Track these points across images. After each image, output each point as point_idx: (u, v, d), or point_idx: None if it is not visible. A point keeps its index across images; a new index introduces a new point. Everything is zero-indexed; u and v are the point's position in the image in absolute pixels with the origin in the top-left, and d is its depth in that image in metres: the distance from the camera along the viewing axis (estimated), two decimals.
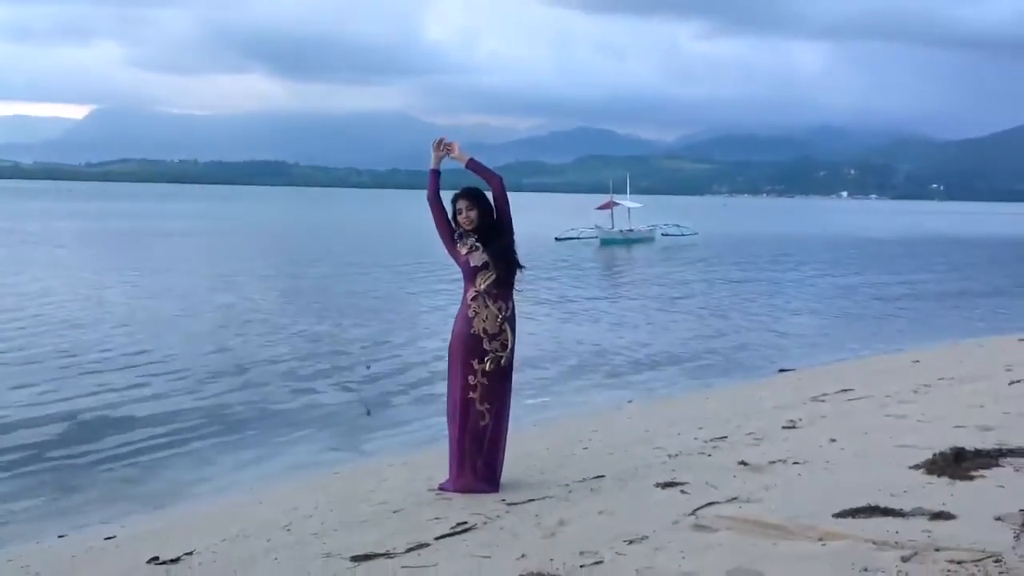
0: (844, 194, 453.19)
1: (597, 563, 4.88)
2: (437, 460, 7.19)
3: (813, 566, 4.65)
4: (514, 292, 6.59)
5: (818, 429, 8.33)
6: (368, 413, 11.12)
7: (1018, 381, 10.55)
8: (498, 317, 6.43)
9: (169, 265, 32.74)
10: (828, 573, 4.54)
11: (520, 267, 6.58)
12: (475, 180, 6.61)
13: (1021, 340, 15.21)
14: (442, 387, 12.02)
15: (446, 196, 6.55)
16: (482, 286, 6.42)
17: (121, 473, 8.84)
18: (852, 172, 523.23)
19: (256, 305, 21.83)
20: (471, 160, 6.55)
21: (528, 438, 8.98)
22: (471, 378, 6.43)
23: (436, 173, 6.64)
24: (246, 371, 13.56)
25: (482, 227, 6.46)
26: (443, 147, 6.62)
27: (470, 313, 6.42)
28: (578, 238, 50.87)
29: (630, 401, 11.97)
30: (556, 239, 48.15)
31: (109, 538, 6.58)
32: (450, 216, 6.56)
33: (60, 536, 6.97)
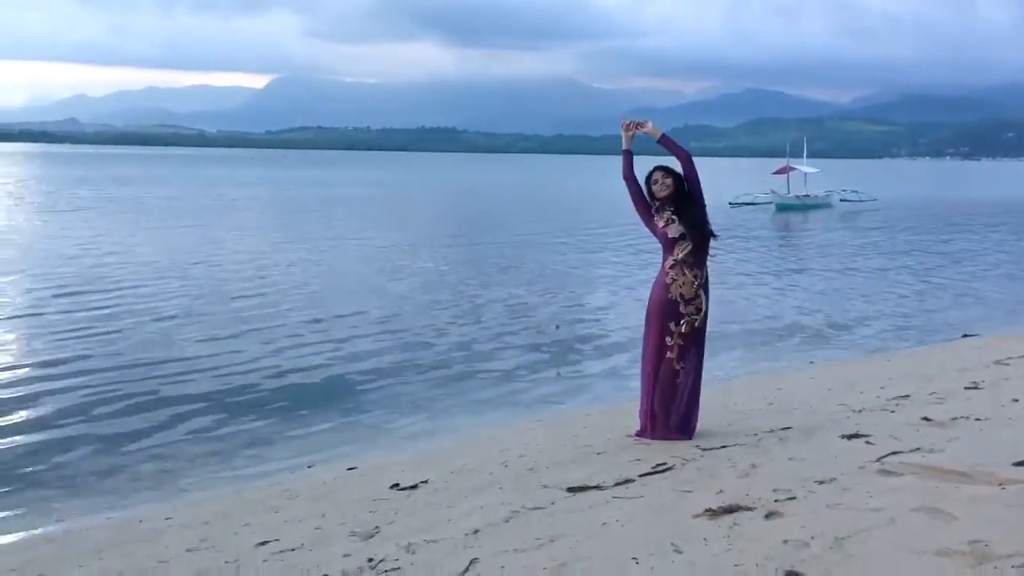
0: None
1: (790, 499, 5.42)
2: (631, 410, 7.78)
3: (992, 507, 5.08)
4: (708, 260, 7.14)
5: (1001, 390, 8.57)
6: (558, 374, 11.81)
7: None
8: (694, 283, 6.99)
9: (366, 232, 34.23)
10: (1006, 512, 4.97)
11: (714, 236, 7.12)
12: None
13: None
14: (628, 344, 12.91)
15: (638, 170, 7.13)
16: (680, 255, 6.97)
17: (351, 415, 9.88)
18: None
19: (446, 271, 22.88)
20: (663, 136, 7.12)
21: (712, 393, 9.50)
22: (668, 339, 7.01)
23: (628, 153, 7.22)
24: (445, 334, 14.47)
25: (677, 196, 7.00)
26: (634, 126, 7.19)
27: (668, 280, 6.99)
28: (753, 203, 50.28)
29: (811, 363, 12.34)
30: (730, 204, 47.66)
31: (352, 468, 7.54)
32: (645, 190, 7.12)
33: (309, 466, 7.98)
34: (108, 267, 21.48)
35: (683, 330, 6.98)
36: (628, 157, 7.20)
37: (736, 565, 4.49)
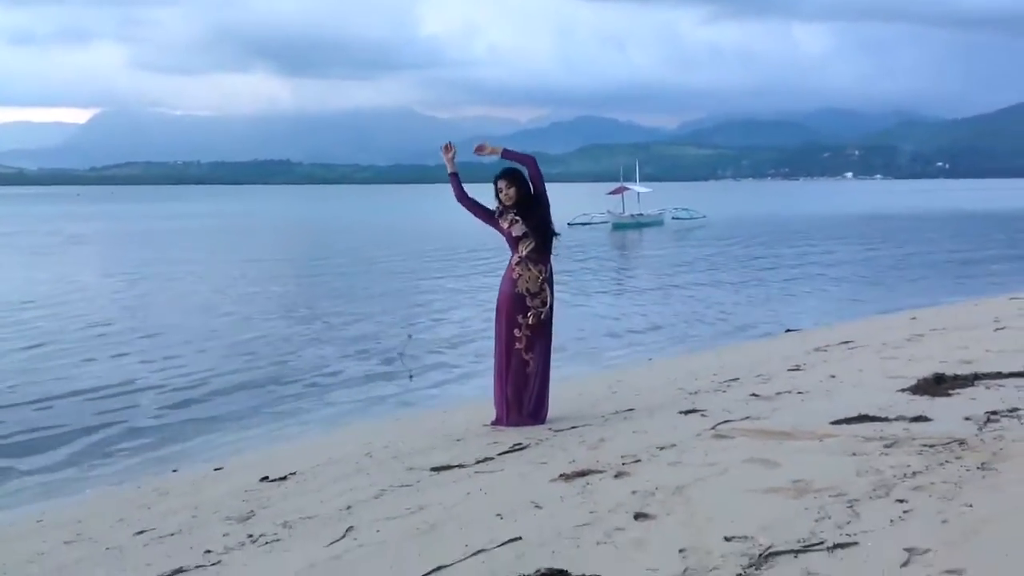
0: (849, 175, 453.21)
1: (636, 461, 5.95)
2: (486, 406, 8.20)
3: (813, 455, 5.74)
4: (551, 256, 7.65)
5: (819, 370, 9.41)
6: (411, 377, 12.16)
7: (1003, 328, 11.63)
8: (539, 278, 7.47)
9: (214, 259, 33.84)
10: (825, 459, 5.63)
11: (556, 234, 7.65)
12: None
13: (1012, 299, 16.23)
14: (478, 347, 13.42)
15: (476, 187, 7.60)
16: (524, 252, 7.46)
17: (208, 431, 9.94)
18: (857, 153, 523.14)
19: (294, 294, 22.93)
20: (504, 150, 7.57)
21: (560, 388, 10.02)
22: (517, 331, 7.47)
23: (455, 176, 7.66)
24: (299, 351, 14.60)
25: (520, 202, 7.48)
26: (476, 150, 7.65)
27: (514, 275, 7.46)
28: (590, 223, 52.09)
29: (650, 359, 13.07)
30: (568, 224, 49.12)
31: (218, 468, 7.71)
32: (493, 194, 7.58)
33: (174, 470, 8.08)
34: None
35: (530, 322, 7.44)
36: (455, 180, 7.64)
37: (591, 512, 4.97)
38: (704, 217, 60.56)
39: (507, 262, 7.57)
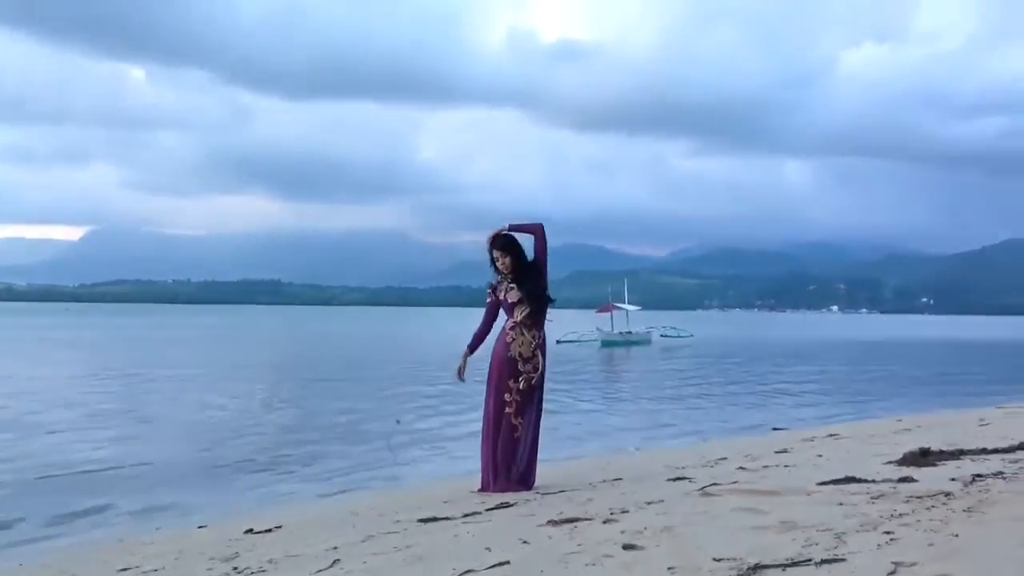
0: (835, 308, 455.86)
1: (624, 511, 5.96)
2: (473, 478, 8.17)
3: (801, 506, 5.75)
4: (545, 323, 7.75)
5: (807, 453, 9.45)
6: (395, 458, 12.11)
7: (987, 424, 11.72)
8: (532, 343, 7.56)
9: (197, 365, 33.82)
10: (812, 508, 5.65)
11: (551, 300, 7.76)
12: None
13: (999, 407, 16.32)
14: (465, 433, 13.42)
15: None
16: (519, 317, 7.56)
17: (190, 503, 9.84)
18: (842, 287, 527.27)
19: (275, 390, 22.88)
20: (511, 226, 7.65)
21: (545, 466, 10.00)
22: (507, 395, 7.50)
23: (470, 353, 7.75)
24: (290, 436, 14.54)
25: (515, 270, 7.61)
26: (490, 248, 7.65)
27: (508, 339, 7.54)
28: (579, 341, 52.33)
29: (636, 449, 13.00)
30: (557, 342, 49.30)
31: (202, 526, 7.64)
32: (489, 262, 7.69)
33: (157, 528, 7.98)
34: None
35: (521, 387, 7.49)
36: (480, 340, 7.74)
37: (579, 545, 4.97)
38: (691, 336, 61.24)
39: (501, 328, 7.65)
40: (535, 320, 7.57)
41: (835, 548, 4.40)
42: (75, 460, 12.11)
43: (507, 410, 7.48)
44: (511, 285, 7.56)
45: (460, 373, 7.70)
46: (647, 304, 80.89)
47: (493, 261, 7.62)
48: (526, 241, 7.67)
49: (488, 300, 7.67)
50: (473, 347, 7.65)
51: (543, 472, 8.00)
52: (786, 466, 8.07)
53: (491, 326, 7.73)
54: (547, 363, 7.67)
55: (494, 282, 7.66)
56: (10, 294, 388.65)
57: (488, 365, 7.64)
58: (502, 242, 7.60)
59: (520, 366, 7.49)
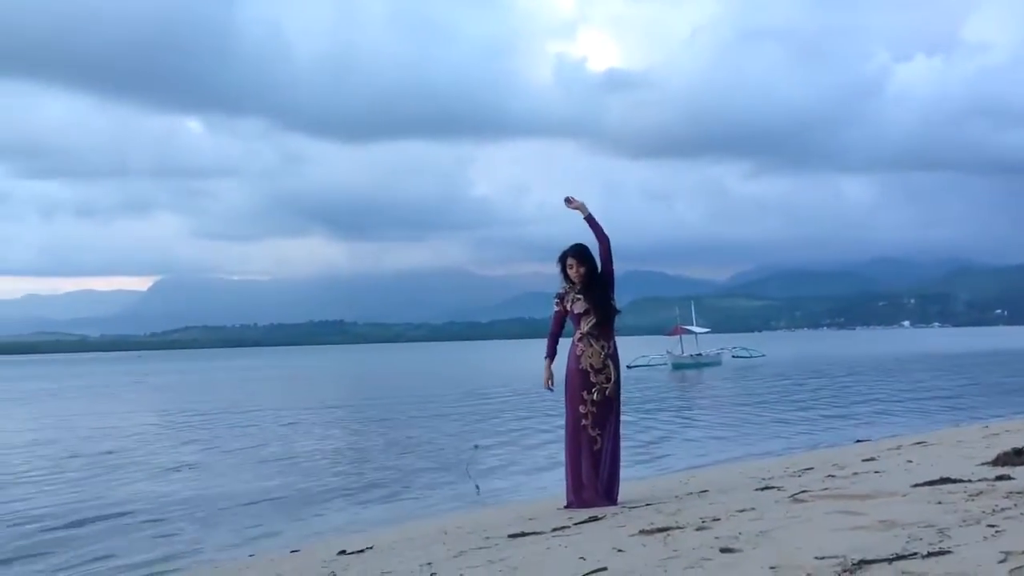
0: (906, 323, 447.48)
1: (715, 519, 5.90)
2: (558, 497, 8.14)
3: (898, 505, 5.65)
4: (614, 334, 7.72)
5: (895, 459, 9.26)
6: (478, 488, 12.12)
7: None
8: (601, 354, 7.53)
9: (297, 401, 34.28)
10: (910, 507, 5.54)
11: (617, 311, 7.73)
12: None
13: None
14: (543, 454, 13.45)
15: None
16: (585, 328, 7.54)
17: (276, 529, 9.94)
18: (912, 302, 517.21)
19: (366, 421, 23.06)
20: (590, 215, 7.65)
21: (627, 484, 9.93)
22: (582, 407, 7.47)
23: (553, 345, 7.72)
24: (372, 462, 14.68)
25: (586, 280, 7.62)
26: (567, 201, 7.74)
27: (578, 352, 7.53)
28: (649, 365, 52.13)
29: (719, 462, 12.87)
30: (628, 367, 49.06)
31: (294, 551, 7.71)
32: (560, 270, 7.71)
33: (250, 555, 8.08)
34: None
35: (595, 398, 7.45)
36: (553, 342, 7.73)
37: (674, 551, 4.93)
38: (763, 356, 60.73)
39: (571, 341, 7.65)
40: (602, 331, 7.54)
41: (940, 542, 4.32)
42: (164, 492, 12.32)
43: (584, 422, 7.45)
44: (577, 296, 7.55)
45: (547, 383, 7.69)
46: (712, 328, 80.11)
47: (565, 269, 7.61)
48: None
49: (555, 310, 7.67)
50: (550, 354, 7.63)
51: (625, 489, 7.94)
52: (876, 472, 7.92)
53: (559, 334, 7.72)
54: (620, 377, 7.64)
55: (560, 291, 7.66)
56: (84, 345, 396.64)
57: (564, 381, 7.62)
58: (578, 250, 7.60)
59: (592, 377, 7.46)
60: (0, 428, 25.78)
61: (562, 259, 7.63)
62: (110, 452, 17.62)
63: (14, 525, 10.56)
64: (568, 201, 7.68)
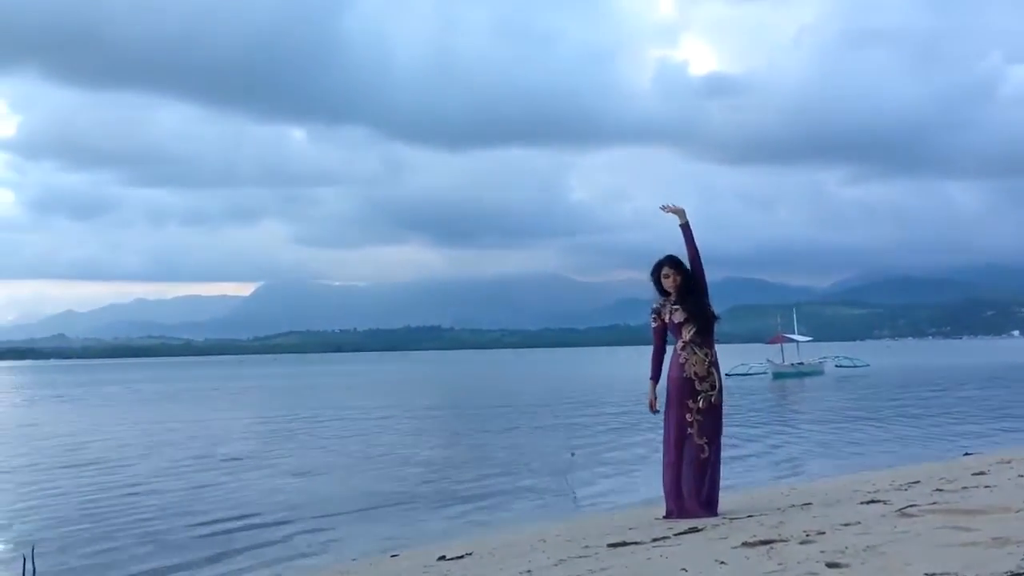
0: (1016, 333, 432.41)
1: (820, 533, 5.80)
2: (657, 506, 8.08)
3: (1009, 522, 5.50)
4: (714, 341, 7.64)
5: (1006, 473, 8.98)
6: (575, 497, 12.08)
7: None
8: (705, 361, 7.47)
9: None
10: (1022, 523, 5.38)
11: (716, 318, 7.67)
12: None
13: None
14: (640, 462, 13.38)
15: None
16: (687, 336, 7.48)
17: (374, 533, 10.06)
18: (1023, 311, 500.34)
19: (451, 428, 23.24)
20: (686, 223, 7.60)
21: (727, 493, 9.80)
22: (688, 416, 7.41)
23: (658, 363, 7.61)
24: (472, 470, 14.78)
25: (682, 290, 7.57)
26: (665, 208, 7.73)
27: (681, 360, 7.46)
28: (748, 373, 51.31)
29: (822, 477, 12.61)
30: (727, 375, 48.10)
31: (394, 555, 7.81)
32: (660, 276, 7.64)
33: (353, 559, 8.20)
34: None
35: (701, 406, 7.39)
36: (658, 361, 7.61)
37: (779, 564, 4.87)
38: (868, 366, 59.45)
39: (673, 350, 7.59)
40: (704, 338, 7.49)
41: None
42: (265, 493, 12.59)
43: (689, 431, 7.39)
44: (675, 306, 7.50)
45: (652, 406, 7.65)
46: (813, 336, 78.54)
47: (659, 280, 7.57)
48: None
49: (654, 325, 7.61)
50: (655, 375, 7.56)
51: (725, 499, 7.86)
52: (987, 487, 7.70)
53: (663, 350, 7.65)
54: (722, 384, 7.58)
55: (656, 305, 7.61)
56: (189, 349, 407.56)
57: (666, 390, 7.57)
58: (672, 260, 7.56)
59: (697, 385, 7.41)
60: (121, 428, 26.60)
61: (656, 270, 7.59)
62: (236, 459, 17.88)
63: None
64: (667, 208, 7.65)
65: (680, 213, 7.60)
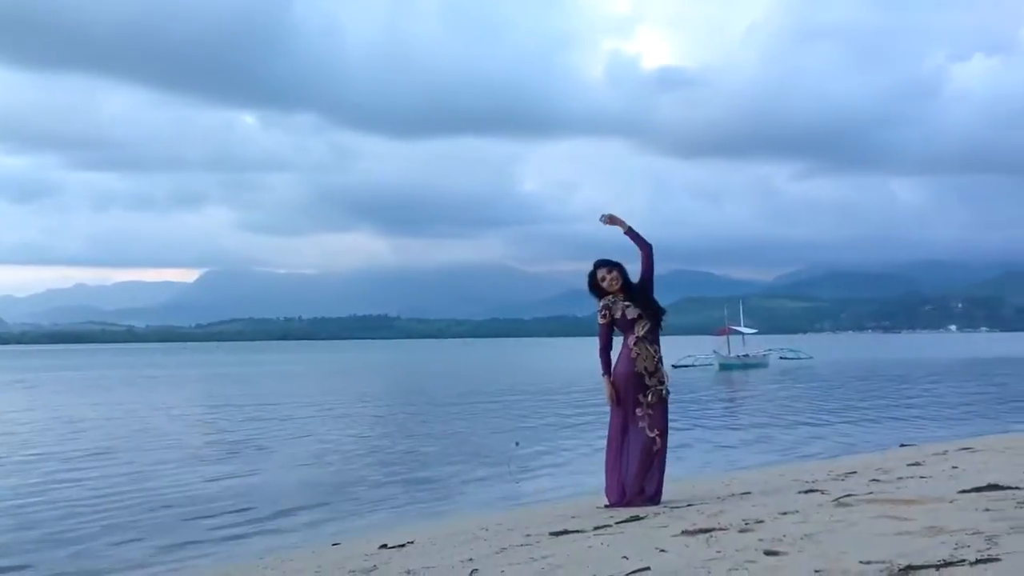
0: (952, 327, 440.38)
1: (759, 522, 5.87)
2: (599, 496, 8.12)
3: (943, 512, 5.60)
4: (660, 337, 7.71)
5: (940, 464, 9.15)
6: (517, 482, 12.12)
7: None
8: (655, 357, 7.54)
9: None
10: (956, 513, 5.49)
11: (663, 312, 7.74)
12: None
13: None
14: (584, 452, 13.44)
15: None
16: (640, 332, 7.53)
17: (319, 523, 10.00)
18: (960, 305, 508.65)
19: (392, 417, 23.16)
20: (630, 228, 7.71)
21: (668, 483, 9.87)
22: (639, 410, 7.45)
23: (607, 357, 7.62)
24: (416, 459, 14.74)
25: (625, 286, 7.61)
26: (607, 221, 7.79)
27: (632, 355, 7.49)
28: (694, 365, 51.95)
29: (761, 466, 12.77)
30: (673, 366, 48.75)
31: (336, 544, 7.78)
32: (596, 282, 7.66)
33: (295, 546, 8.15)
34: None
35: (651, 400, 7.46)
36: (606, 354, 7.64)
37: (717, 552, 4.92)
38: (811, 358, 60.72)
39: (622, 345, 7.62)
40: (654, 334, 7.57)
41: (988, 549, 4.28)
42: (212, 485, 12.45)
43: (640, 424, 7.44)
44: (626, 303, 7.55)
45: (612, 398, 7.61)
46: (757, 328, 79.70)
47: (596, 284, 7.60)
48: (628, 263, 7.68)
49: (602, 322, 7.63)
50: (608, 370, 7.57)
51: (667, 489, 7.90)
52: (921, 477, 7.86)
53: (611, 345, 7.69)
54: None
55: (607, 301, 7.63)
56: (130, 335, 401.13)
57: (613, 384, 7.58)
58: (602, 262, 7.64)
59: (647, 380, 7.47)
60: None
61: (591, 279, 7.63)
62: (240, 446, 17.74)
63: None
64: (611, 220, 7.70)
65: (620, 223, 7.67)
